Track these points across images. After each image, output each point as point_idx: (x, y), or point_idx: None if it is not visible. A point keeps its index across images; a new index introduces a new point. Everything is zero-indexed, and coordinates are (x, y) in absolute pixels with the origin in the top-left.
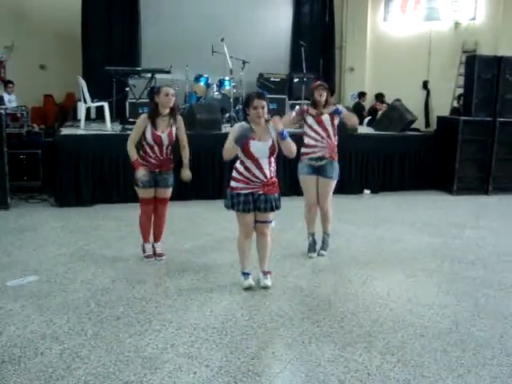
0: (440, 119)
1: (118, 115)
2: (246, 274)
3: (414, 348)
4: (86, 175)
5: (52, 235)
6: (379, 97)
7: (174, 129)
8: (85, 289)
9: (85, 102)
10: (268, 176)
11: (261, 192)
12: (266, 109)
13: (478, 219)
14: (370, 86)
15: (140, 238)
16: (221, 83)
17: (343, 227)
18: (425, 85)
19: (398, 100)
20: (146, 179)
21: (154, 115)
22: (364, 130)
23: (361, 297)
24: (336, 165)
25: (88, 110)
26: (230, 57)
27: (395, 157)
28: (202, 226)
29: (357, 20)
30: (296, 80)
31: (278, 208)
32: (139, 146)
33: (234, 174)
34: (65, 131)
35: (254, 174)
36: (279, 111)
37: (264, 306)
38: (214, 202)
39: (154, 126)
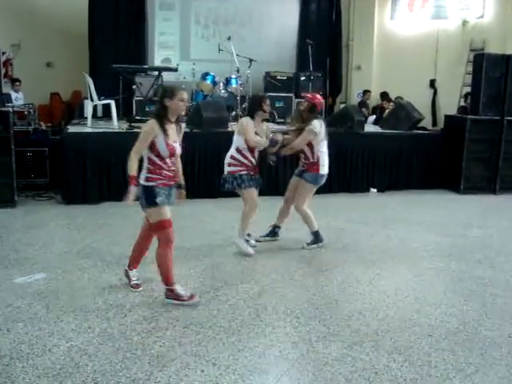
0: (447, 118)
1: (125, 113)
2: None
3: (421, 347)
4: (92, 173)
5: (59, 233)
6: (385, 96)
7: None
8: (92, 286)
9: (91, 99)
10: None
11: (252, 173)
12: None
13: (485, 218)
14: (377, 85)
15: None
16: (227, 81)
17: (350, 226)
18: (432, 83)
19: (401, 98)
20: (163, 196)
21: (163, 122)
22: (371, 128)
23: (368, 296)
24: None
25: (95, 107)
26: (237, 55)
27: (402, 155)
28: (209, 225)
29: (364, 18)
30: (303, 78)
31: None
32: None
33: (233, 161)
34: (72, 129)
35: (250, 161)
36: (286, 109)
37: (271, 304)
38: (220, 200)
39: (167, 135)
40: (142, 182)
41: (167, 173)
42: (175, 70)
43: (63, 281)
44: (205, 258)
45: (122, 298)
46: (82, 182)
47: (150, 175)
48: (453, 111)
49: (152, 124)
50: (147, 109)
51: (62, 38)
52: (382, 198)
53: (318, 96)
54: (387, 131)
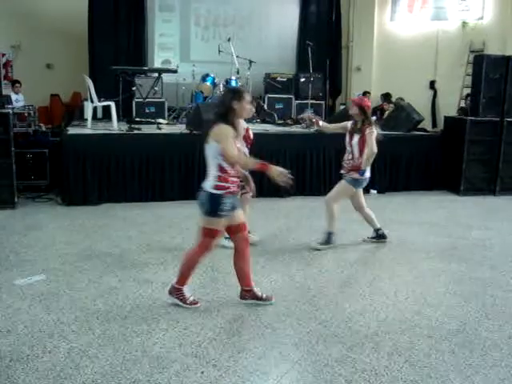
0: (447, 119)
1: (125, 114)
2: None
3: (421, 349)
4: (92, 174)
5: (59, 234)
6: (386, 97)
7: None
8: (92, 288)
9: (91, 101)
10: None
11: None
12: None
13: (485, 220)
14: (377, 86)
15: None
16: (227, 83)
17: (350, 227)
18: (432, 85)
19: (401, 99)
20: (229, 207)
21: (234, 126)
22: None
23: (368, 297)
24: None
25: (95, 109)
26: (237, 56)
27: (402, 157)
28: None
29: (364, 20)
30: (303, 80)
31: None
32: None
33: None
34: (71, 131)
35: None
36: (285, 111)
37: (271, 305)
38: None
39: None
40: (209, 189)
41: (234, 179)
42: (175, 71)
43: (63, 282)
44: (204, 259)
45: (123, 300)
46: (81, 183)
47: (219, 183)
48: (453, 112)
49: (228, 127)
50: (147, 110)
51: (61, 40)
52: (382, 199)
53: (365, 99)
54: (387, 132)
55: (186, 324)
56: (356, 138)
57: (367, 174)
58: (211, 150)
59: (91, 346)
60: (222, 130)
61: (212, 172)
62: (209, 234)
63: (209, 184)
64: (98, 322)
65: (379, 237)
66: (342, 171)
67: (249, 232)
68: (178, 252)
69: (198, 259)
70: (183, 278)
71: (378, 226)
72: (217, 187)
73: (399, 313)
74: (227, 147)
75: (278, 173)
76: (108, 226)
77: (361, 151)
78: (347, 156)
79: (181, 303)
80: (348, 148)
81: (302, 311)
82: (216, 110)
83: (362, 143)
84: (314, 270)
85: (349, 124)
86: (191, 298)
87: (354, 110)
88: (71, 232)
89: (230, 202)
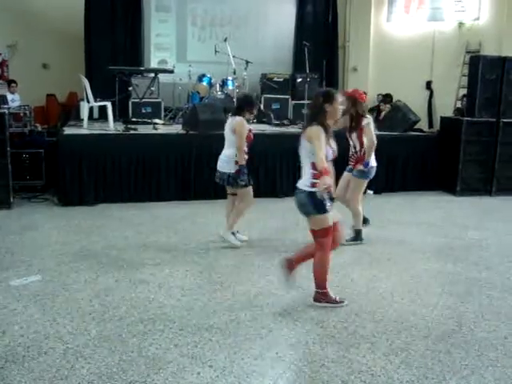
0: (443, 120)
1: (121, 115)
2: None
3: (417, 349)
4: (88, 175)
5: (55, 235)
6: (386, 98)
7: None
8: (88, 288)
9: (88, 101)
10: None
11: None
12: None
13: (481, 220)
14: (374, 86)
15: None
16: (224, 83)
17: (346, 227)
18: (428, 85)
19: (399, 101)
20: (328, 202)
21: (326, 128)
22: None
23: (364, 297)
24: None
25: (91, 109)
26: (233, 57)
27: (398, 157)
28: (204, 226)
29: (360, 20)
30: (299, 80)
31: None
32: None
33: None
34: (68, 131)
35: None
36: (282, 111)
37: (267, 306)
38: (216, 202)
39: (328, 139)
40: (307, 188)
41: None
42: (171, 71)
43: (59, 283)
44: (201, 260)
45: (119, 301)
46: (78, 183)
47: (315, 180)
48: (449, 113)
49: (320, 129)
50: (143, 110)
51: (58, 40)
52: (378, 199)
53: (359, 91)
54: (383, 133)
55: (183, 325)
56: (354, 132)
57: (372, 164)
58: (304, 149)
59: (87, 347)
60: (313, 130)
61: (307, 170)
62: (322, 235)
63: (305, 183)
64: (94, 322)
65: (357, 238)
66: (349, 165)
67: (237, 232)
68: (174, 252)
69: (327, 259)
70: (323, 281)
71: (361, 227)
72: (314, 185)
73: (395, 313)
74: (317, 147)
75: (324, 184)
76: (104, 226)
77: (361, 143)
78: (351, 150)
79: (332, 305)
80: (350, 142)
81: (298, 312)
82: (308, 111)
83: (360, 135)
84: (310, 271)
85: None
86: (337, 298)
87: (346, 104)
88: (67, 232)
89: (326, 197)
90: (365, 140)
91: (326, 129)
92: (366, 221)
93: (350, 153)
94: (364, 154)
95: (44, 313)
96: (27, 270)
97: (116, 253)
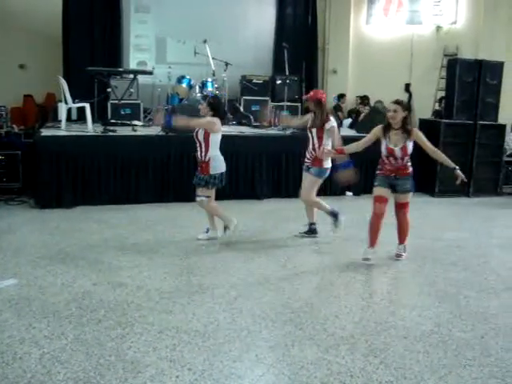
0: (422, 122)
1: (100, 116)
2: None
3: (396, 350)
4: (66, 177)
5: (32, 238)
6: (364, 99)
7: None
8: (65, 292)
9: (66, 102)
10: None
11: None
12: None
13: (459, 221)
14: (353, 88)
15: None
16: (203, 85)
17: (325, 229)
18: (407, 87)
19: (380, 102)
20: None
21: (387, 129)
22: (345, 131)
23: (343, 299)
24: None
25: (69, 110)
26: (213, 58)
27: (378, 159)
28: (185, 229)
29: (339, 22)
30: (279, 82)
31: None
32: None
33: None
34: (45, 132)
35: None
36: (261, 113)
37: (246, 308)
38: (196, 205)
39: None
40: (410, 171)
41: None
42: (150, 73)
43: (35, 287)
44: (180, 262)
45: (96, 304)
46: (55, 186)
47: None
48: (427, 115)
49: (377, 129)
50: (122, 112)
51: (35, 40)
52: (357, 201)
53: (320, 91)
54: (362, 135)
55: (161, 327)
56: (314, 130)
57: (327, 165)
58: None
59: (64, 352)
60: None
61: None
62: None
63: (410, 169)
64: (71, 326)
65: (311, 231)
66: (305, 162)
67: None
68: (152, 255)
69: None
70: (404, 236)
71: (314, 220)
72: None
73: (374, 314)
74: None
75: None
76: (82, 229)
77: (320, 143)
78: (309, 148)
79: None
80: (310, 140)
81: (277, 314)
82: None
83: (321, 135)
84: (289, 273)
85: (308, 116)
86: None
87: (311, 105)
88: (44, 235)
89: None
90: (329, 141)
91: (387, 130)
92: (314, 231)
93: (308, 151)
94: (321, 153)
95: (19, 317)
96: (2, 273)
97: (94, 255)
